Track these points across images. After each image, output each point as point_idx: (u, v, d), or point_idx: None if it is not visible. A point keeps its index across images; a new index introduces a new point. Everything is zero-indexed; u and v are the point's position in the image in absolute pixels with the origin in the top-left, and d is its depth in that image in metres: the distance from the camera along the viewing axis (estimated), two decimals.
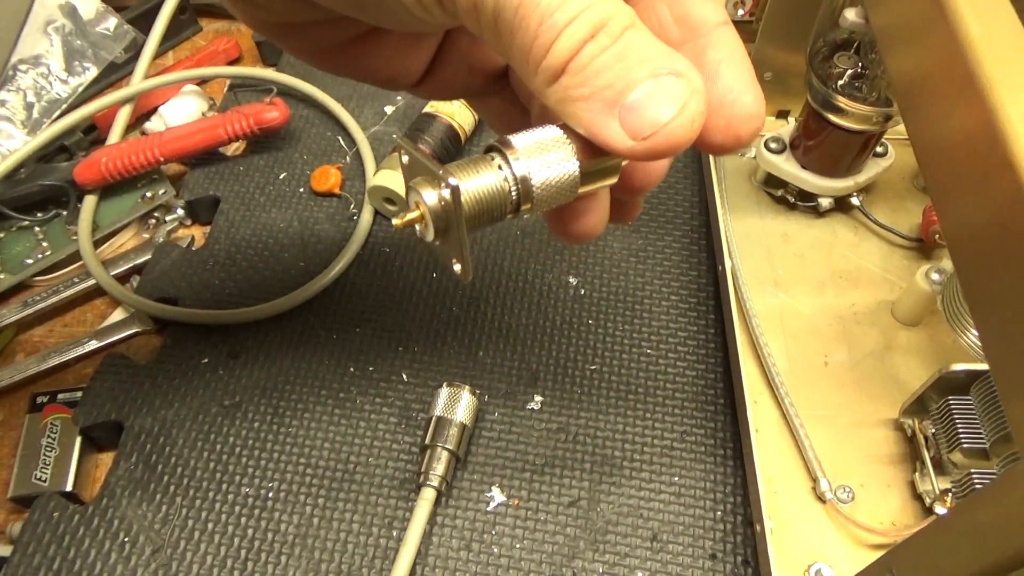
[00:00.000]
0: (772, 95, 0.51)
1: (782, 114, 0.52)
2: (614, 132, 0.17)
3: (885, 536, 0.36)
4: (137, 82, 0.55)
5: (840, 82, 0.42)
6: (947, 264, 0.41)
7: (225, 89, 0.59)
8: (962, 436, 0.34)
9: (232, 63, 0.63)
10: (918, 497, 0.37)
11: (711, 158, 0.49)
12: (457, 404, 0.40)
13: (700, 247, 0.49)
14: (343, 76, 0.24)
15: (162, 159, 0.51)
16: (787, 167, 0.46)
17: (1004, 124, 0.20)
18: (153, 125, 0.57)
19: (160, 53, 0.64)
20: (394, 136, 0.55)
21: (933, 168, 0.24)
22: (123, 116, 0.54)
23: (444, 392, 0.41)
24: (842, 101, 0.41)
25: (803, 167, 0.46)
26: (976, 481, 0.34)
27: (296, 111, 0.56)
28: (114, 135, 0.53)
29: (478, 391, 0.43)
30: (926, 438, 0.37)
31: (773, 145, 0.46)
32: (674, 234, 0.50)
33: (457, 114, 0.52)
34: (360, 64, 0.24)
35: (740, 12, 0.53)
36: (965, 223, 0.22)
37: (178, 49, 0.65)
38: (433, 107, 0.52)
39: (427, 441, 0.39)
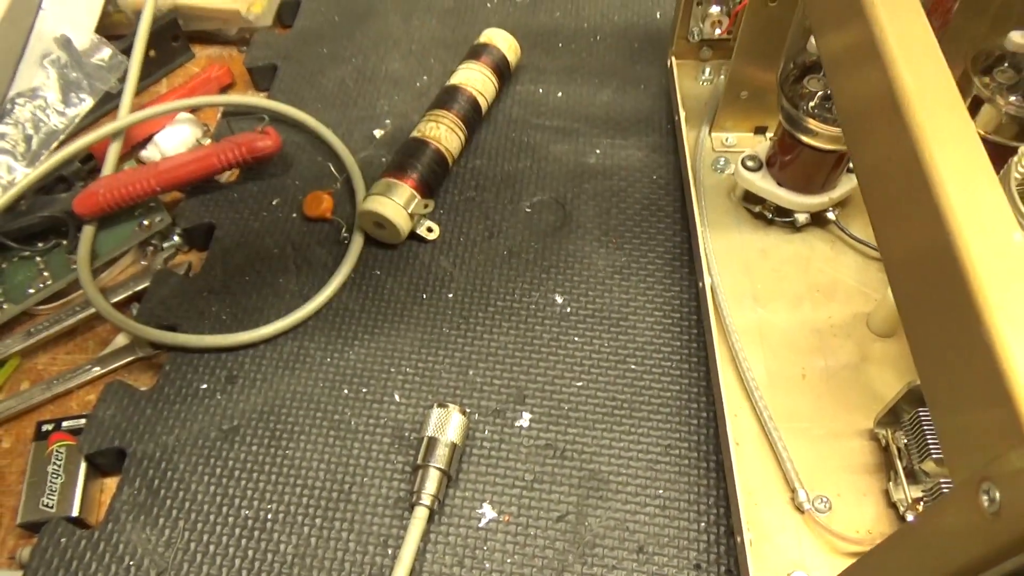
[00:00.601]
0: (749, 112, 0.52)
1: (759, 130, 0.53)
2: None
3: (861, 544, 0.37)
4: (123, 115, 0.56)
5: (811, 103, 0.43)
6: None
7: (218, 116, 0.61)
8: (931, 446, 0.36)
9: (225, 89, 0.65)
10: (892, 505, 0.38)
11: (691, 175, 0.50)
12: (448, 424, 0.41)
13: (682, 263, 0.50)
14: None
15: (158, 189, 0.53)
16: (764, 184, 0.47)
17: (926, 159, 0.21)
18: (149, 153, 0.59)
19: (154, 81, 0.65)
20: (383, 160, 0.56)
21: (868, 192, 0.26)
22: (114, 150, 0.55)
23: (435, 413, 0.42)
24: (812, 123, 0.42)
25: (779, 184, 0.47)
26: (945, 489, 0.35)
27: (288, 137, 0.57)
28: (107, 168, 0.55)
29: (468, 410, 0.44)
30: (899, 448, 0.38)
31: (750, 163, 0.48)
32: (657, 250, 0.51)
33: (444, 138, 0.53)
34: None
35: (718, 31, 0.54)
36: (896, 247, 0.24)
37: (172, 76, 0.66)
38: (420, 132, 0.54)
39: (419, 461, 0.41)
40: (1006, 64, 0.41)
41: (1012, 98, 0.40)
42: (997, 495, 0.17)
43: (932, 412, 0.21)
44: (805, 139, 0.43)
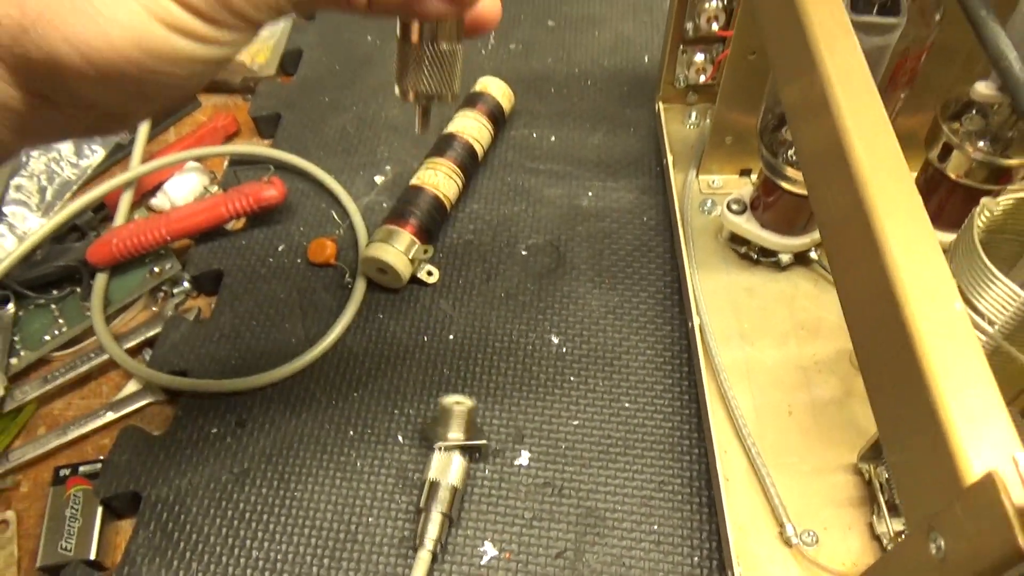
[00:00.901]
0: (733, 156, 0.54)
1: (744, 172, 0.55)
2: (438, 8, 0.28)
3: None
4: (135, 166, 0.59)
5: (789, 151, 0.45)
6: None
7: (225, 164, 0.63)
8: None
9: (230, 137, 0.67)
10: (877, 538, 0.40)
11: (680, 217, 0.52)
12: (449, 467, 0.43)
13: (673, 302, 0.52)
14: None
15: (169, 238, 0.55)
16: (748, 226, 0.49)
17: (875, 226, 0.23)
18: (159, 201, 0.61)
19: (162, 129, 0.68)
20: (384, 205, 0.58)
21: (826, 240, 0.28)
22: (125, 200, 0.58)
23: (437, 456, 0.44)
24: (790, 171, 0.44)
25: (763, 225, 0.49)
26: None
27: (292, 184, 0.60)
28: (119, 217, 0.57)
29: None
30: (880, 483, 0.40)
31: (735, 206, 0.50)
32: (648, 290, 0.53)
33: (442, 185, 0.55)
34: None
35: (702, 78, 0.57)
36: (850, 298, 0.26)
37: (180, 125, 0.69)
38: (419, 179, 0.56)
39: (422, 504, 0.43)
40: (974, 111, 0.43)
41: (980, 143, 0.42)
42: (942, 543, 0.19)
43: (887, 459, 0.23)
44: (785, 185, 0.45)
